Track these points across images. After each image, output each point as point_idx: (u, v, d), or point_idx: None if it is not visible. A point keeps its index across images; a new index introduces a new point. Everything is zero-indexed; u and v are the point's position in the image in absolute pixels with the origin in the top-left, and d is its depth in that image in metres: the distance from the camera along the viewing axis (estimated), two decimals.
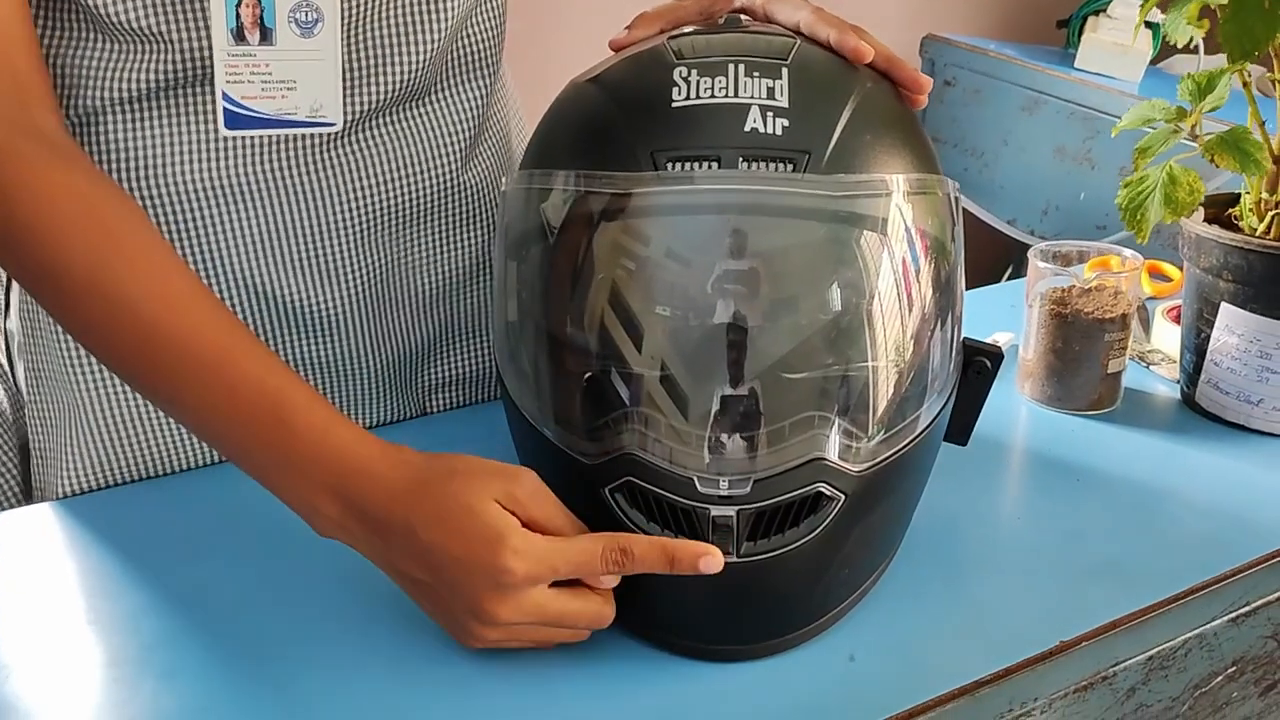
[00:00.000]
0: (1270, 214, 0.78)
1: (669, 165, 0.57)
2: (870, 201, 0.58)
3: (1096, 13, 1.72)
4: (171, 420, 0.76)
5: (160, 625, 0.62)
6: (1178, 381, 0.88)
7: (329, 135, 0.71)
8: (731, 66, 0.59)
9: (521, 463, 0.64)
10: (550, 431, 0.60)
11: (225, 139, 0.69)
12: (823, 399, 0.58)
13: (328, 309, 0.76)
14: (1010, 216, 1.66)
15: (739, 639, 0.58)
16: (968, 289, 1.13)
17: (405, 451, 0.58)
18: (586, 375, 0.59)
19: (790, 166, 0.57)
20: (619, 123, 0.59)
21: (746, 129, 0.57)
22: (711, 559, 0.54)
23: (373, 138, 0.73)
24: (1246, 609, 0.68)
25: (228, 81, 0.66)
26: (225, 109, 0.67)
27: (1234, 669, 0.70)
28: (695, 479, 0.56)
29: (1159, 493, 0.75)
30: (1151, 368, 0.92)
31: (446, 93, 0.77)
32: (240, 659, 0.59)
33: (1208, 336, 0.82)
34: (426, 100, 0.76)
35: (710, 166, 0.57)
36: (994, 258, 1.80)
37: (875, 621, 0.61)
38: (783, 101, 0.58)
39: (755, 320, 0.57)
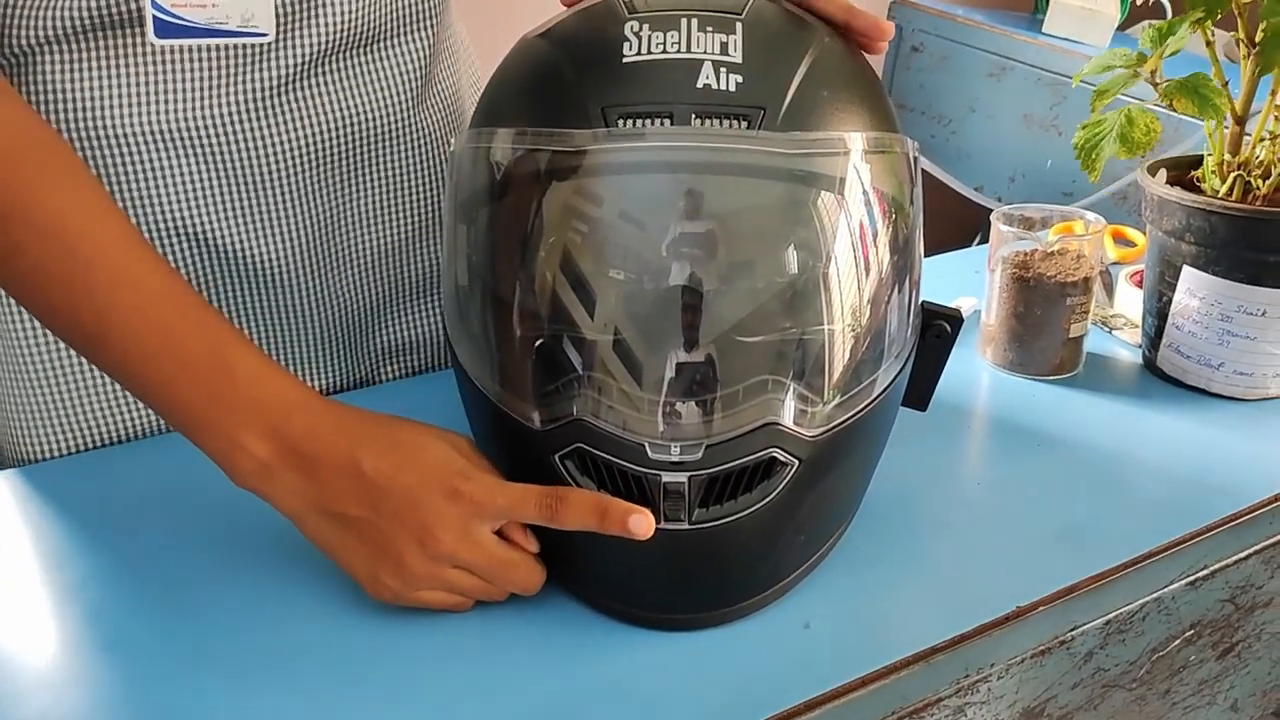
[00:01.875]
0: (1233, 175, 0.77)
1: (620, 121, 0.55)
2: (826, 160, 0.57)
3: None
4: (117, 388, 0.74)
5: (105, 594, 0.60)
6: (1140, 346, 0.87)
7: (272, 82, 0.70)
8: (684, 21, 0.57)
9: (472, 429, 0.63)
10: (500, 398, 0.59)
11: (165, 83, 0.68)
12: (777, 363, 0.57)
13: (268, 259, 0.74)
14: (977, 183, 1.65)
15: (692, 607, 0.58)
16: (934, 255, 1.13)
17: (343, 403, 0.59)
18: (537, 340, 0.58)
19: (745, 123, 0.55)
20: (569, 78, 0.57)
21: (699, 85, 0.55)
22: (641, 519, 0.54)
23: (315, 86, 0.72)
24: (1204, 572, 0.67)
25: None
26: (155, 17, 0.65)
27: (1191, 632, 0.70)
28: (646, 445, 0.55)
29: (1119, 457, 0.74)
30: (1114, 333, 0.91)
31: (390, 42, 0.75)
32: (187, 628, 0.58)
33: (1169, 300, 0.81)
34: (369, 50, 0.74)
35: (663, 123, 0.55)
36: (961, 225, 1.79)
37: (831, 588, 0.61)
38: (736, 57, 0.56)
39: (710, 284, 0.56)
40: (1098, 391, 0.83)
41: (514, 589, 0.58)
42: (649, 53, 0.56)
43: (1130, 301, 0.92)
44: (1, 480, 0.71)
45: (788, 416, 0.56)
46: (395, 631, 0.57)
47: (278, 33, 0.69)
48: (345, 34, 0.71)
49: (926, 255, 1.16)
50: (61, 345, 0.73)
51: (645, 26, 0.57)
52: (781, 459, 0.56)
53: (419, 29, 0.76)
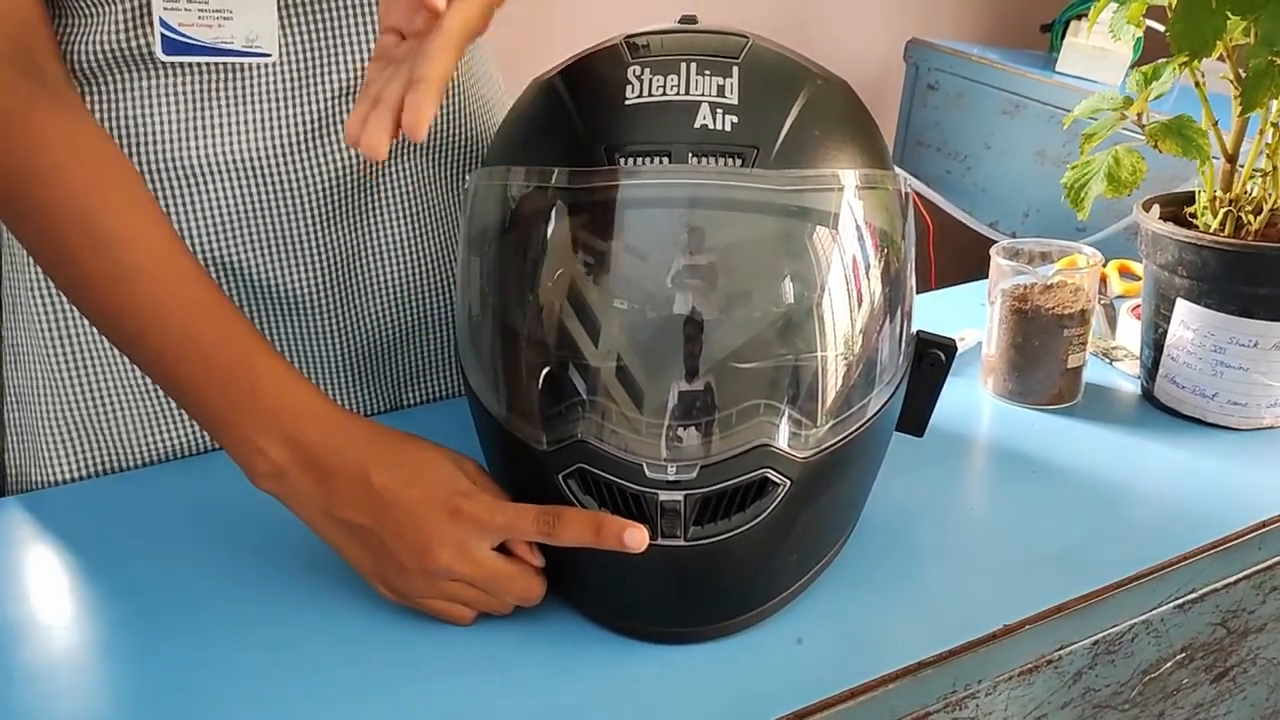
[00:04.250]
0: (1223, 211, 0.80)
1: (622, 160, 0.59)
2: (817, 196, 0.60)
3: (1079, 17, 1.74)
4: (143, 412, 0.78)
5: (130, 607, 0.63)
6: (1138, 377, 0.89)
7: (310, 117, 0.74)
8: (684, 65, 0.61)
9: (482, 449, 0.66)
10: (508, 420, 0.62)
11: (199, 116, 0.72)
12: (771, 388, 0.59)
13: (294, 288, 0.78)
14: (992, 219, 1.67)
15: (688, 621, 0.60)
16: (946, 288, 1.16)
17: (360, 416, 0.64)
18: (544, 367, 0.61)
19: (739, 161, 0.58)
20: (575, 119, 0.61)
21: (697, 125, 0.59)
22: (635, 533, 0.56)
23: (338, 128, 0.75)
24: (1193, 595, 0.69)
25: (165, 9, 0.69)
26: (162, 35, 0.69)
27: (1183, 655, 0.72)
28: (644, 465, 0.58)
29: (1113, 484, 0.76)
30: (1115, 364, 0.93)
31: None
32: (205, 640, 0.61)
33: (1165, 332, 0.83)
34: None
35: (661, 161, 0.58)
36: (976, 259, 1.81)
37: (824, 605, 0.63)
38: (733, 99, 0.60)
39: (709, 314, 0.59)
40: (1095, 421, 0.85)
41: (514, 601, 0.61)
42: (650, 95, 0.60)
43: (1131, 333, 0.95)
44: (29, 501, 0.74)
45: (780, 439, 0.59)
46: (397, 645, 0.60)
47: (306, 66, 0.73)
48: (357, 64, 0.74)
49: (939, 288, 1.19)
50: (89, 372, 0.77)
51: (647, 70, 0.61)
52: (774, 479, 0.58)
53: None
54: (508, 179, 0.62)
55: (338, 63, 0.74)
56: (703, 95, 0.60)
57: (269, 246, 0.77)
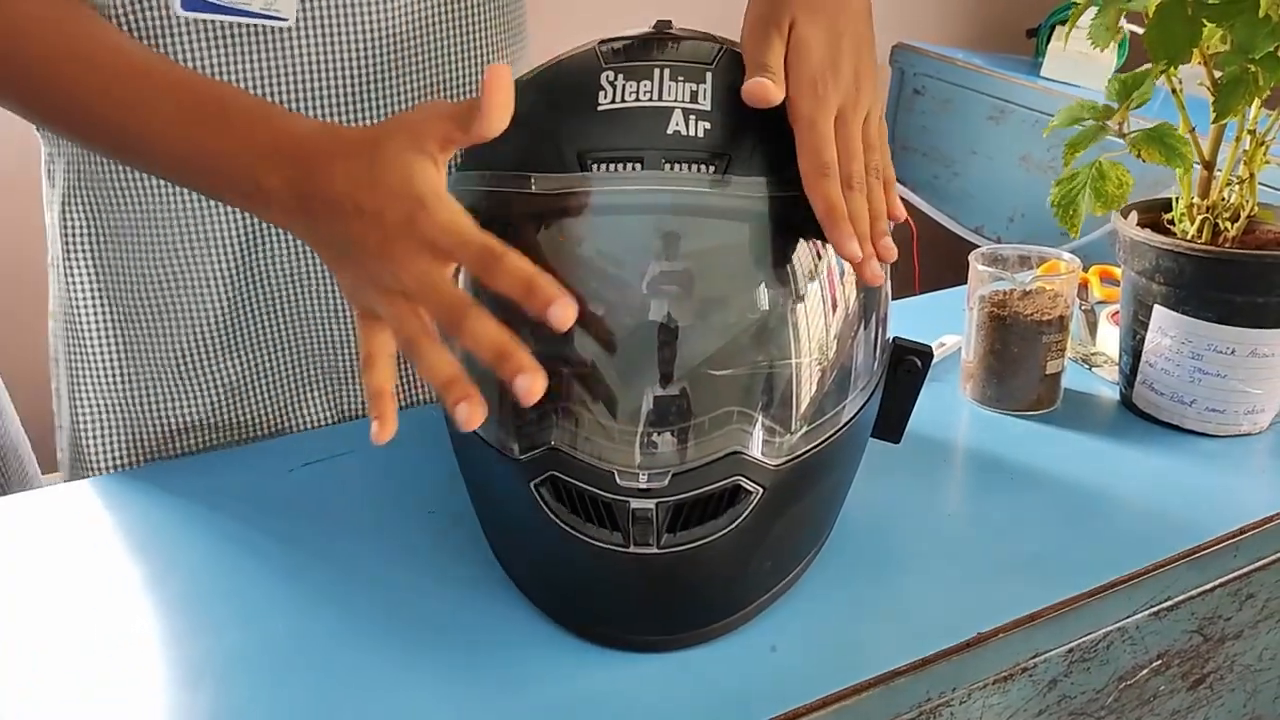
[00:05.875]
0: (1200, 218, 0.80)
1: (595, 166, 0.58)
2: (790, 202, 0.59)
3: (1064, 22, 1.74)
4: (175, 409, 0.82)
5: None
6: (1118, 383, 0.89)
7: (318, 97, 0.76)
8: (657, 71, 0.60)
9: (455, 455, 0.66)
10: (482, 427, 0.61)
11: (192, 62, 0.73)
12: (744, 395, 0.59)
13: (298, 271, 0.81)
14: (977, 224, 1.68)
15: (660, 629, 0.60)
16: (929, 293, 1.16)
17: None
18: None
19: (712, 168, 0.58)
20: (548, 124, 0.61)
21: (669, 131, 0.59)
22: (560, 310, 0.49)
23: (351, 100, 0.77)
24: (1168, 603, 0.69)
25: None
26: None
27: (1159, 662, 0.71)
28: (615, 473, 0.57)
29: (1090, 491, 0.76)
30: (1095, 370, 0.93)
31: (415, 70, 0.80)
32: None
33: (1143, 338, 0.83)
34: (404, 70, 0.78)
35: (633, 168, 0.58)
36: (962, 264, 1.82)
37: (799, 613, 0.63)
38: (705, 105, 0.59)
39: (683, 320, 0.59)
40: (1074, 427, 0.85)
41: (440, 318, 0.53)
42: (623, 101, 0.60)
43: (1111, 339, 0.95)
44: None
45: (753, 446, 0.58)
46: (369, 653, 0.60)
47: (322, 34, 0.74)
48: (372, 35, 0.76)
49: (924, 292, 1.19)
50: (125, 368, 0.81)
51: (620, 76, 0.60)
52: (746, 487, 0.58)
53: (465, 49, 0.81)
54: (480, 183, 0.62)
55: (356, 34, 0.75)
56: (676, 101, 0.59)
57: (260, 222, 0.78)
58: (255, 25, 0.72)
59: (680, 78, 0.60)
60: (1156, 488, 0.76)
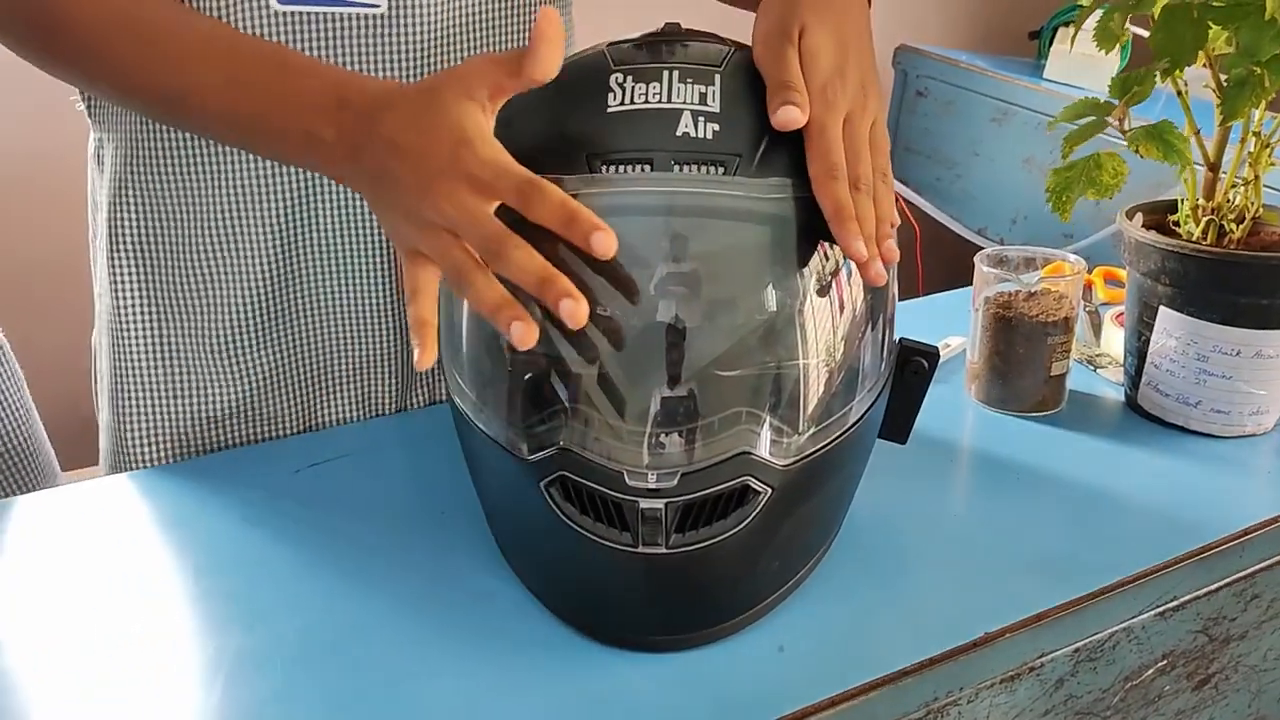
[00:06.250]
0: (1205, 220, 0.80)
1: (604, 168, 0.59)
2: (798, 203, 0.60)
3: (1067, 24, 1.75)
4: (218, 400, 0.84)
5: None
6: (1123, 384, 0.89)
7: (388, 64, 0.77)
8: (666, 73, 0.61)
9: (465, 456, 0.66)
10: (490, 428, 0.62)
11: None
12: (752, 396, 0.59)
13: (355, 256, 0.83)
14: (980, 225, 1.68)
15: (669, 629, 0.60)
16: (935, 294, 1.16)
17: None
18: (526, 375, 0.61)
19: (720, 169, 0.59)
20: (558, 126, 0.61)
21: (679, 133, 0.59)
22: (603, 238, 0.50)
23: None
24: (1174, 603, 0.69)
25: None
26: None
27: (1164, 662, 0.72)
28: (625, 473, 0.57)
29: (1096, 491, 0.76)
30: (1099, 371, 0.94)
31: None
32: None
33: (1148, 340, 0.83)
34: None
35: (643, 169, 0.58)
36: (965, 265, 1.82)
37: (806, 613, 0.63)
38: (714, 107, 0.60)
39: (692, 321, 0.59)
40: (1079, 428, 0.85)
41: (483, 248, 0.54)
42: (632, 103, 0.60)
43: (1115, 341, 0.95)
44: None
45: (761, 447, 0.59)
46: (379, 653, 0.60)
47: (408, 18, 0.76)
48: (462, 19, 0.77)
49: (928, 293, 1.20)
50: (164, 356, 0.83)
51: (630, 78, 0.61)
52: (755, 487, 0.58)
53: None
54: None
55: (448, 18, 0.76)
56: (685, 103, 0.60)
57: (342, 208, 0.80)
58: (350, 14, 0.75)
59: (689, 80, 0.60)
60: (1161, 489, 0.77)
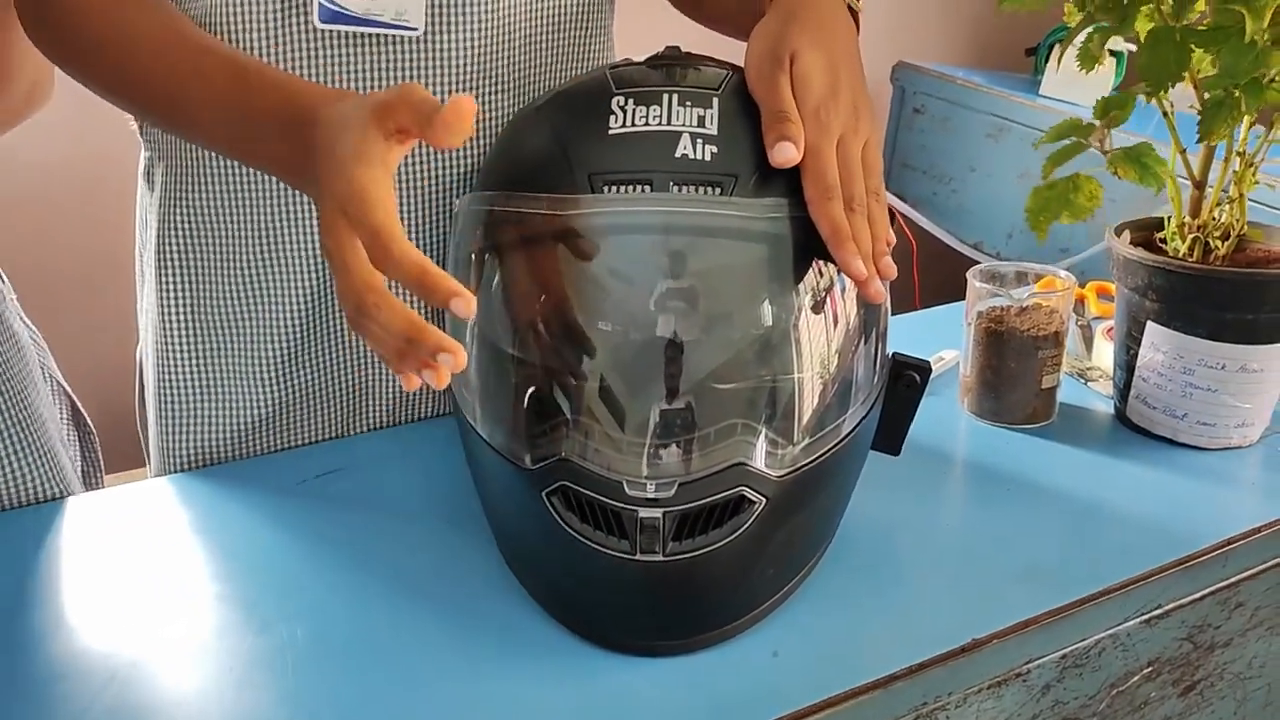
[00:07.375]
0: (1191, 237, 0.82)
1: (605, 188, 0.61)
2: (793, 222, 0.62)
3: (1063, 41, 1.77)
4: (254, 412, 0.85)
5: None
6: (1112, 397, 0.91)
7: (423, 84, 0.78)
8: (665, 96, 0.63)
9: (469, 465, 0.68)
10: (494, 438, 0.64)
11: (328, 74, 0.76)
12: (748, 408, 0.62)
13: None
14: (976, 240, 1.70)
15: (665, 635, 0.62)
16: (929, 308, 1.18)
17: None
18: (529, 388, 0.63)
19: (718, 190, 0.61)
20: (560, 148, 0.63)
21: (677, 155, 0.61)
22: (463, 302, 0.50)
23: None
24: (1159, 611, 0.71)
25: None
26: (320, 3, 0.74)
27: (1150, 669, 0.73)
28: (624, 483, 0.59)
29: (1085, 502, 0.78)
30: (1090, 384, 0.96)
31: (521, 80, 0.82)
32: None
33: (1136, 354, 0.85)
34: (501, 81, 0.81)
35: (643, 189, 0.61)
36: (961, 280, 1.84)
37: (800, 619, 0.65)
38: (712, 129, 0.62)
39: (690, 336, 0.61)
40: (1069, 440, 0.87)
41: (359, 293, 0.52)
42: (633, 125, 0.62)
43: (1106, 354, 0.97)
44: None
45: (757, 458, 0.61)
46: (380, 658, 0.62)
47: (443, 40, 0.77)
48: (497, 39, 0.78)
49: (924, 308, 1.22)
50: (207, 370, 0.84)
51: (630, 101, 0.63)
52: (750, 497, 0.60)
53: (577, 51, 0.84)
54: (495, 203, 0.64)
55: (483, 39, 0.77)
56: (684, 126, 0.62)
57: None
58: (388, 35, 0.76)
59: (688, 103, 0.63)
60: (1148, 499, 0.78)
